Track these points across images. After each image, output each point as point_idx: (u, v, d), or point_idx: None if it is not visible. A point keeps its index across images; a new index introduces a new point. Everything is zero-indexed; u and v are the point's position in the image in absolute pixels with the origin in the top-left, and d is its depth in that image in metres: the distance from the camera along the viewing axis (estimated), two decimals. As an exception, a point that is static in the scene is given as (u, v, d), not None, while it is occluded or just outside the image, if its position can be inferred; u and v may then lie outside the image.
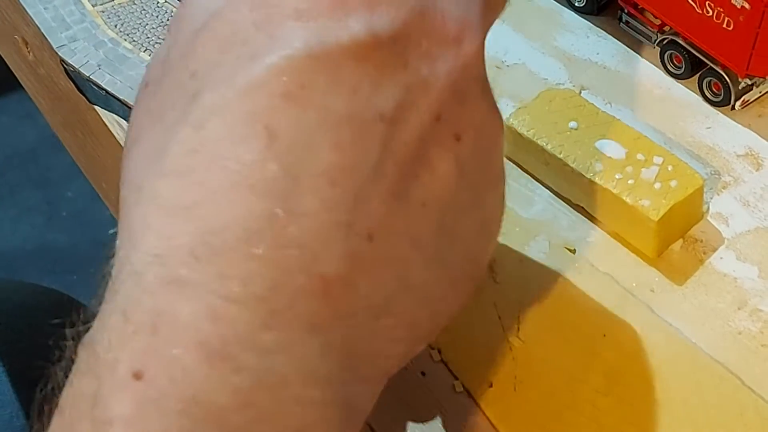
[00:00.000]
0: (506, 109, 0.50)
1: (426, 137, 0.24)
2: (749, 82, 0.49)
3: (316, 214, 0.22)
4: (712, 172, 0.48)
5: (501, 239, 0.45)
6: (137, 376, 0.21)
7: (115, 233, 0.24)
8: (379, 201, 0.23)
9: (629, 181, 0.43)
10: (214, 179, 0.22)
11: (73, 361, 0.24)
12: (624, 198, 0.43)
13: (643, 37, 0.53)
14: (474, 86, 0.26)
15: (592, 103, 0.47)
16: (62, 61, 0.53)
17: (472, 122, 0.26)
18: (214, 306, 0.22)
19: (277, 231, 0.22)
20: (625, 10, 0.53)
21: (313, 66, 0.23)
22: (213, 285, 0.22)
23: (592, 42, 0.54)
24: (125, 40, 0.53)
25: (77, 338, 0.24)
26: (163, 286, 0.22)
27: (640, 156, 0.44)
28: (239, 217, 0.22)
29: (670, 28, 0.51)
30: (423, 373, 0.41)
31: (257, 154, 0.22)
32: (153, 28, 0.54)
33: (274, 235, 0.22)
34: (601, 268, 0.44)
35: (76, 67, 0.52)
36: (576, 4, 0.55)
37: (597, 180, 0.44)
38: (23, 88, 0.68)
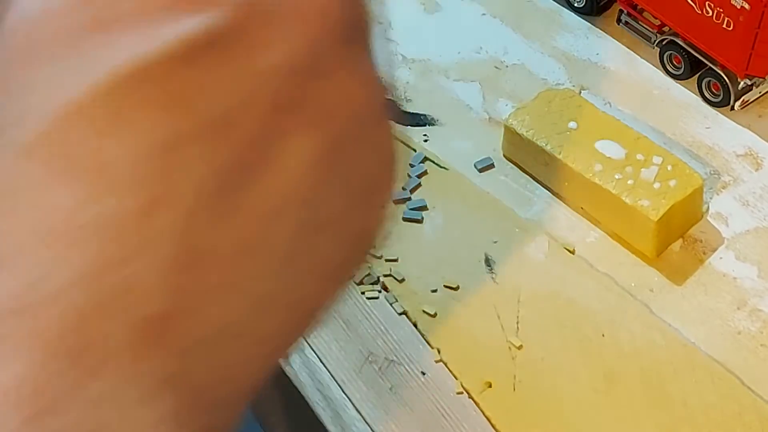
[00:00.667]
0: (505, 109, 0.50)
1: (265, 134, 0.23)
2: (749, 83, 0.49)
3: (134, 258, 0.21)
4: (712, 172, 0.48)
5: (500, 239, 0.45)
6: None
7: None
8: (205, 225, 0.22)
9: (629, 182, 0.43)
10: (26, 228, 0.21)
11: None
12: (623, 198, 0.43)
13: (643, 37, 0.53)
14: (329, 58, 0.23)
15: (592, 104, 0.47)
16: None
17: (327, 97, 0.24)
18: (32, 362, 0.21)
19: (93, 280, 0.21)
20: (625, 11, 0.53)
21: (124, 87, 0.21)
22: (30, 341, 0.21)
23: (591, 42, 0.54)
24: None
25: None
26: None
27: (639, 156, 0.44)
28: (53, 268, 0.21)
29: (670, 29, 0.51)
30: (423, 373, 0.41)
31: (68, 197, 0.21)
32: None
33: (91, 284, 0.21)
34: (600, 269, 0.44)
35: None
36: (575, 5, 0.55)
37: (596, 180, 0.44)
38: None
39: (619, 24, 0.54)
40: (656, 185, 0.43)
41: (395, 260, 0.45)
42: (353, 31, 0.25)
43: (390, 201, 0.27)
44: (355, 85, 0.24)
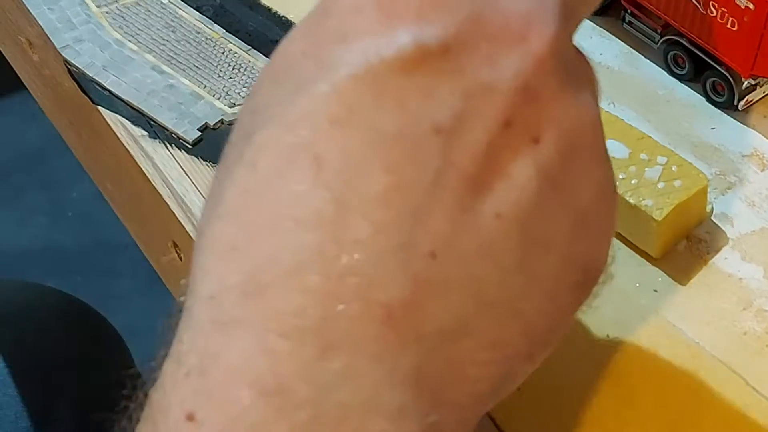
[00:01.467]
0: (510, 109, 0.50)
1: (496, 145, 0.23)
2: (753, 83, 0.49)
3: (370, 240, 0.22)
4: (717, 173, 0.48)
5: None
6: (190, 418, 0.21)
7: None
8: (442, 218, 0.23)
9: (633, 181, 0.43)
10: (264, 216, 0.22)
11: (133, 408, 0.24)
12: (627, 198, 0.43)
13: (647, 37, 0.53)
14: (550, 82, 0.24)
15: (596, 104, 0.47)
16: (66, 62, 0.53)
17: (552, 121, 0.24)
18: (266, 342, 0.21)
19: (328, 261, 0.22)
20: (629, 11, 0.53)
21: (359, 87, 0.22)
22: (264, 321, 0.22)
23: (595, 42, 0.54)
24: (130, 41, 0.53)
25: (135, 384, 0.25)
26: (216, 327, 0.22)
27: (643, 156, 0.44)
28: (288, 251, 0.22)
29: (674, 29, 0.51)
30: (427, 374, 0.41)
31: (306, 185, 0.22)
32: (158, 29, 0.54)
33: (326, 266, 0.22)
34: (604, 269, 0.44)
35: (81, 68, 0.52)
36: (580, 5, 0.55)
37: (601, 180, 0.44)
38: (28, 90, 0.68)
39: (622, 24, 0.54)
40: (660, 185, 0.43)
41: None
42: (576, 69, 0.26)
43: (612, 240, 0.27)
44: (581, 116, 0.25)
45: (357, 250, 0.22)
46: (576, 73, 0.26)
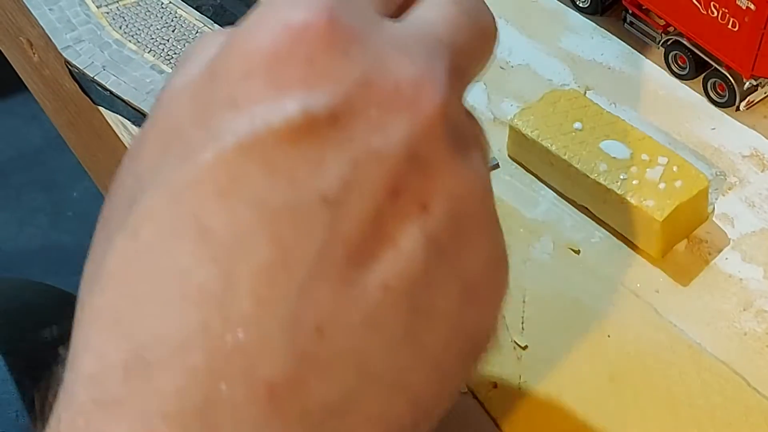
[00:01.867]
0: (511, 109, 0.50)
1: (383, 213, 0.23)
2: (754, 83, 0.49)
3: (255, 317, 0.21)
4: (718, 173, 0.48)
5: (506, 239, 0.45)
6: None
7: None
8: (327, 292, 0.22)
9: (634, 182, 0.43)
10: (147, 289, 0.22)
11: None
12: (628, 198, 0.43)
13: (648, 37, 0.53)
14: (439, 148, 0.24)
15: (597, 104, 0.47)
16: (67, 62, 0.53)
17: (442, 188, 0.24)
18: (149, 424, 0.21)
19: (212, 340, 0.21)
20: (630, 11, 0.53)
21: (245, 157, 0.22)
22: (147, 402, 0.21)
23: (596, 43, 0.54)
24: (130, 41, 0.53)
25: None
26: (97, 407, 0.21)
27: (644, 156, 0.44)
28: (172, 329, 0.21)
29: (675, 29, 0.51)
30: (427, 374, 0.41)
31: (189, 257, 0.21)
32: (158, 29, 0.54)
33: (210, 344, 0.21)
34: (605, 269, 0.44)
35: (81, 68, 0.52)
36: (580, 5, 0.55)
37: (601, 180, 0.44)
38: (28, 90, 0.68)
39: (624, 24, 0.54)
40: (661, 186, 0.43)
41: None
42: (466, 133, 0.25)
43: (502, 310, 0.27)
44: (470, 184, 0.25)
45: (242, 327, 0.21)
46: (466, 136, 0.25)
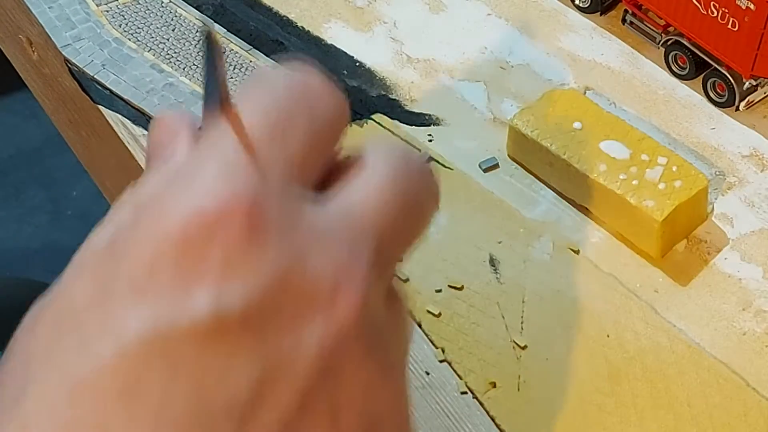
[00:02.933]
0: (510, 109, 0.50)
1: (290, 424, 0.21)
2: (754, 83, 0.49)
3: None
4: (717, 173, 0.48)
5: (505, 240, 0.45)
6: None
7: None
8: None
9: (633, 182, 0.43)
10: None
11: None
12: (628, 198, 0.43)
13: (648, 37, 0.53)
14: (353, 352, 0.22)
15: (597, 104, 0.47)
16: (67, 60, 0.53)
17: (352, 395, 0.22)
18: None
19: None
20: (630, 11, 0.53)
21: (148, 355, 0.20)
22: None
23: (596, 43, 0.54)
24: (129, 39, 0.53)
25: None
26: None
27: (644, 156, 0.44)
28: None
29: (675, 29, 0.51)
30: (427, 373, 0.41)
31: None
32: (157, 27, 0.54)
33: None
34: (604, 269, 0.44)
35: (81, 66, 0.52)
36: (580, 5, 0.55)
37: (601, 180, 0.44)
38: (28, 88, 0.68)
39: (623, 24, 0.54)
40: (661, 186, 0.43)
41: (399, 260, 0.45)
42: (384, 328, 0.24)
43: None
44: (384, 392, 0.23)
45: None
46: (384, 332, 0.24)
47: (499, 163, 0.48)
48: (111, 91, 0.51)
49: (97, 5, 0.55)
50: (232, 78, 0.51)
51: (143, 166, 0.52)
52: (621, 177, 0.43)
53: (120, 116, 0.53)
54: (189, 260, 0.20)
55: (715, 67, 0.49)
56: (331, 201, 0.23)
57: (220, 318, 0.20)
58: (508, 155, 0.48)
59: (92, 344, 0.20)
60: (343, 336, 0.22)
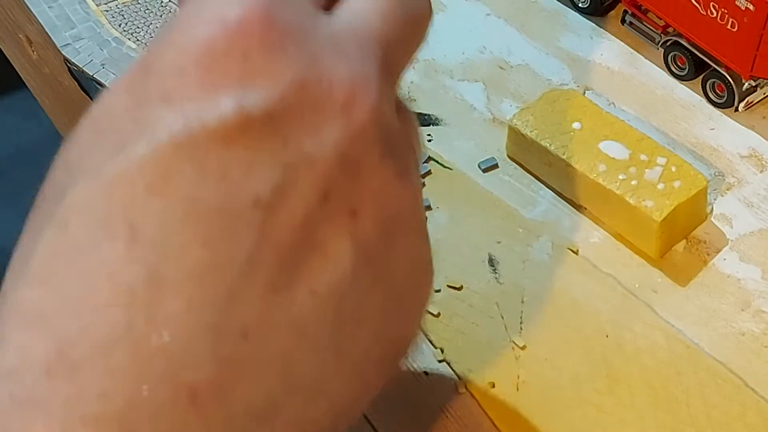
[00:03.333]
0: (510, 109, 0.50)
1: (313, 218, 0.22)
2: (753, 84, 0.49)
3: (181, 318, 0.21)
4: (716, 174, 0.48)
5: (504, 240, 0.45)
6: None
7: None
8: (256, 296, 0.22)
9: (632, 182, 0.43)
10: (74, 285, 0.21)
11: None
12: (627, 198, 0.43)
13: (647, 38, 0.53)
14: (371, 153, 0.23)
15: (596, 104, 0.47)
16: (66, 60, 0.53)
17: (371, 194, 0.23)
18: (67, 427, 0.20)
19: (137, 340, 0.21)
20: (629, 11, 0.53)
21: (178, 154, 0.21)
22: (67, 404, 0.20)
23: (595, 43, 0.54)
24: (129, 39, 0.53)
25: None
26: (16, 405, 0.20)
27: (643, 157, 0.44)
28: (97, 328, 0.21)
29: (674, 30, 0.51)
30: (426, 373, 0.41)
31: (118, 255, 0.21)
32: (157, 27, 0.54)
33: (134, 345, 0.21)
34: (603, 269, 0.44)
35: (80, 66, 0.52)
36: (580, 5, 0.55)
37: (600, 181, 0.44)
38: (27, 88, 0.68)
39: (623, 24, 0.54)
40: (660, 186, 0.43)
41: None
42: (397, 135, 0.25)
43: (424, 316, 0.27)
44: (400, 190, 0.24)
45: (167, 329, 0.21)
46: (397, 139, 0.25)
47: (499, 163, 0.48)
48: (110, 90, 0.51)
49: (96, 5, 0.55)
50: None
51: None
52: (620, 177, 0.43)
53: (119, 116, 0.53)
54: (213, 67, 0.22)
55: (715, 68, 0.50)
56: (339, 10, 0.24)
57: (243, 117, 0.22)
58: (508, 155, 0.48)
59: (126, 145, 0.22)
60: (360, 138, 0.23)
